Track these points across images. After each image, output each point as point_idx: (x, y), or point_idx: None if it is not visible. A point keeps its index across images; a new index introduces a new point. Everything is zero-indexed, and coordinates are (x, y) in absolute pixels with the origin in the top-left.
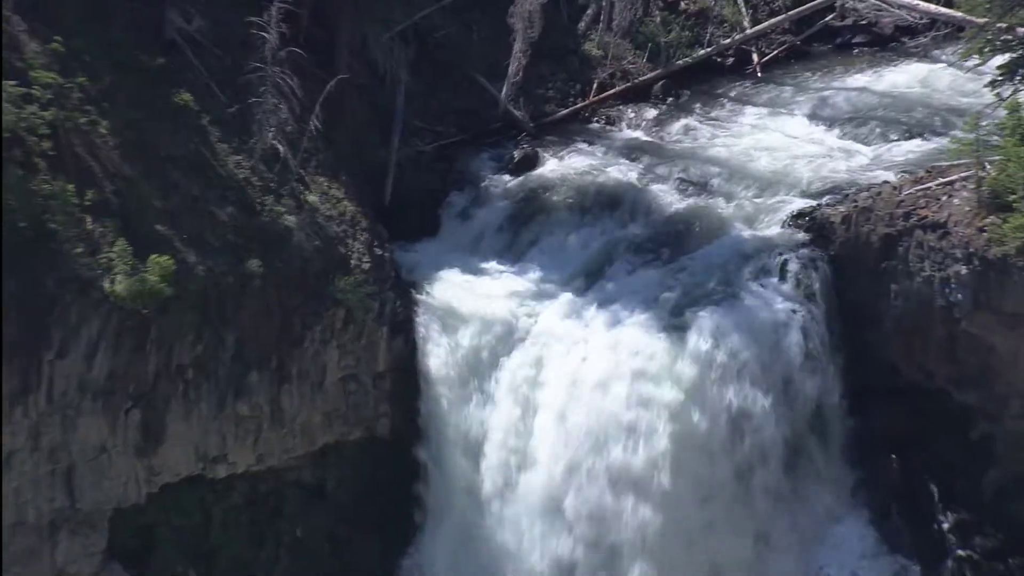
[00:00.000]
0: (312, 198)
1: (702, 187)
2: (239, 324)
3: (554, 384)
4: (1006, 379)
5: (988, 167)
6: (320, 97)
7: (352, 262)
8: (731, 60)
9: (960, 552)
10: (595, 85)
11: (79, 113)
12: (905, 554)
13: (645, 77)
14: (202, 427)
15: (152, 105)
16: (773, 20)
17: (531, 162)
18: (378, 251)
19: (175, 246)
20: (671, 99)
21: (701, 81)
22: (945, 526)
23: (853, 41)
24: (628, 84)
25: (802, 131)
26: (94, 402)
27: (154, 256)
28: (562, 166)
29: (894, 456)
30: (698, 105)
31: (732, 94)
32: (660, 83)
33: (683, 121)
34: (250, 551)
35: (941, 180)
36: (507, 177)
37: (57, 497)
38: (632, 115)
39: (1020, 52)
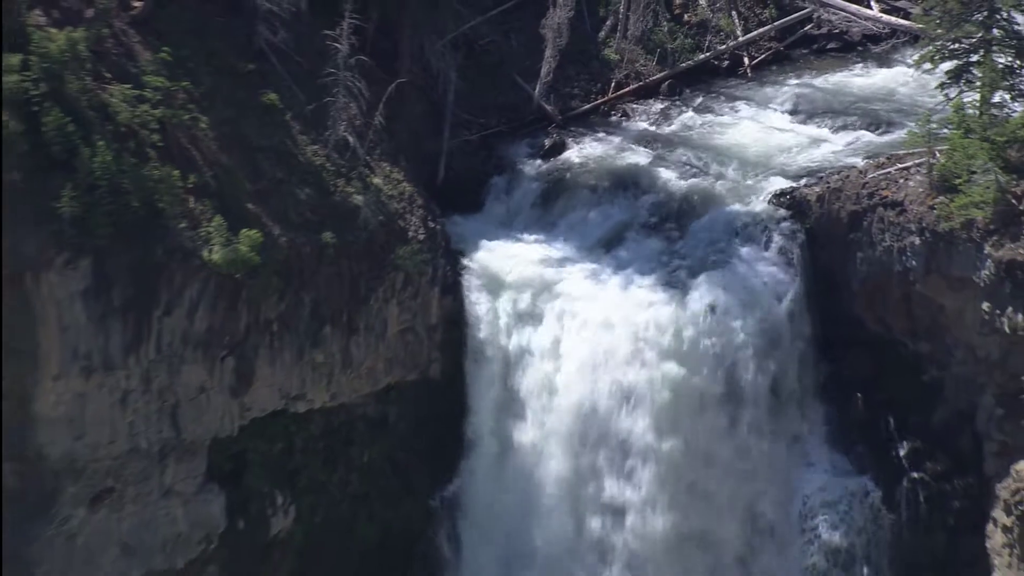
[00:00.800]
0: (376, 180)
1: (700, 169)
2: (315, 286)
3: (576, 334)
4: (952, 332)
5: (938, 155)
6: (383, 96)
7: (410, 234)
8: (726, 63)
9: (913, 474)
10: (613, 84)
11: (183, 111)
12: (868, 476)
13: (654, 77)
14: (285, 371)
15: (244, 104)
16: (761, 30)
17: (559, 149)
18: (431, 224)
19: (262, 222)
20: (676, 96)
21: (701, 81)
22: (901, 453)
23: (827, 47)
24: (640, 83)
25: (784, 123)
26: (195, 351)
27: (245, 230)
28: (585, 152)
29: (859, 395)
30: (698, 101)
31: (726, 92)
32: (667, 83)
33: (685, 114)
34: (325, 473)
35: (899, 166)
36: (539, 162)
37: (164, 429)
38: (643, 109)
39: (963, 60)
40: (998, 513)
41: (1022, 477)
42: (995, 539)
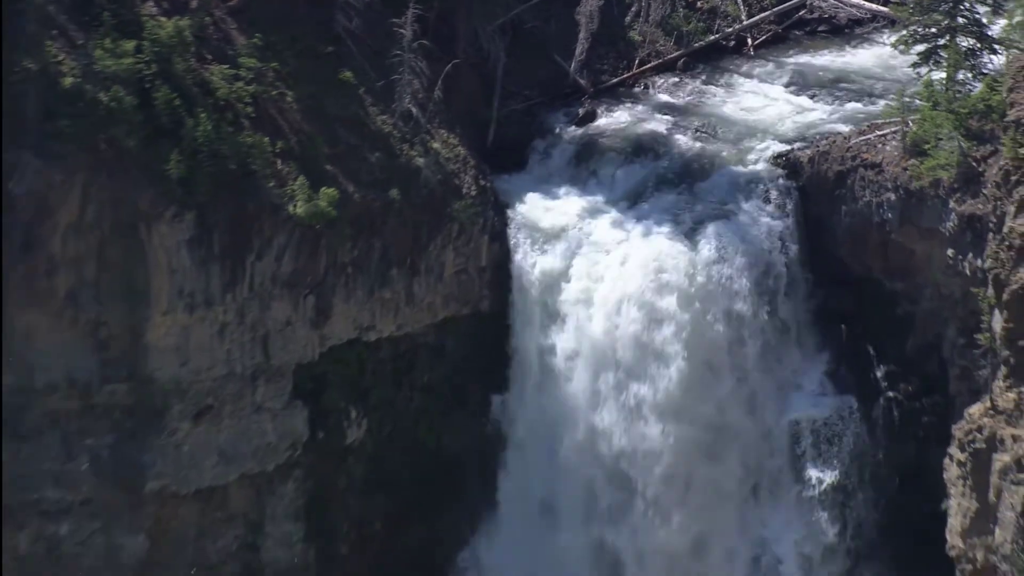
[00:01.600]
0: (435, 145)
1: (710, 135)
2: (383, 235)
3: (604, 276)
4: (922, 274)
5: (910, 124)
6: (442, 74)
7: (463, 190)
8: (732, 43)
9: (889, 394)
10: (636, 61)
11: (272, 87)
12: (851, 395)
13: (671, 56)
14: (358, 307)
15: (323, 81)
16: (762, 15)
17: (590, 117)
18: (482, 182)
19: (339, 181)
20: (690, 71)
21: (711, 59)
22: (879, 375)
23: (819, 30)
24: (659, 61)
25: (781, 95)
26: (282, 290)
27: (324, 188)
28: (612, 119)
29: (843, 326)
30: (709, 76)
31: (732, 68)
32: (682, 60)
33: (698, 87)
34: (392, 391)
35: (877, 132)
36: (573, 128)
37: (256, 356)
38: (662, 83)
39: (932, 44)
40: (953, 450)
41: (974, 420)
42: (951, 471)
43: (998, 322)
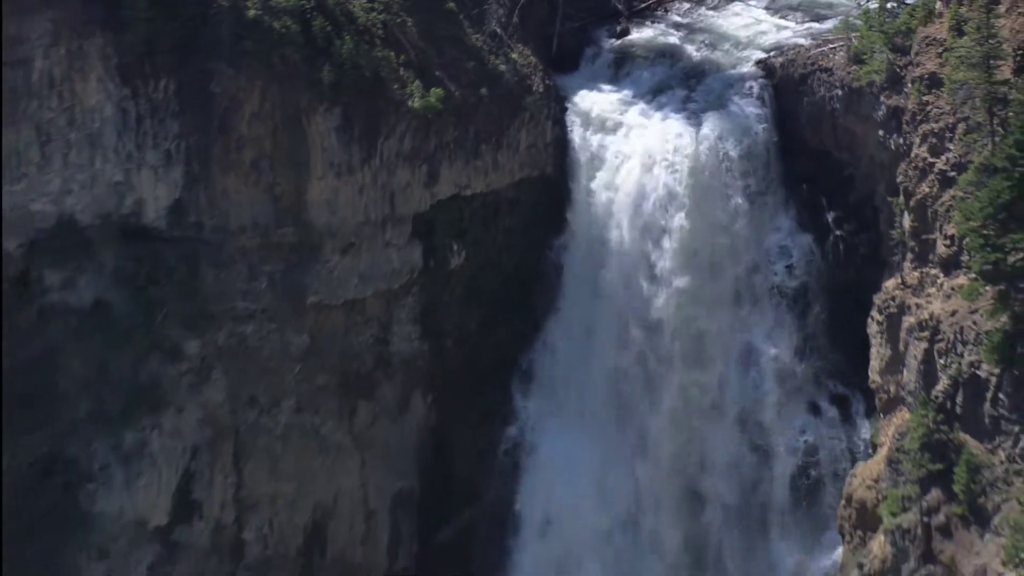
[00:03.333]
0: (514, 56)
1: (712, 46)
2: (476, 121)
3: (635, 146)
4: (861, 148)
5: (853, 40)
6: (519, 3)
7: (534, 88)
8: None
9: (836, 232)
10: None
11: (396, 16)
12: (809, 233)
13: None
14: (458, 172)
15: (434, 10)
16: None
17: (625, 33)
18: (547, 82)
19: (444, 83)
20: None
21: None
22: (829, 219)
23: None
24: None
25: (762, 16)
26: (404, 161)
27: (433, 88)
28: (641, 35)
29: (804, 185)
30: (711, 4)
31: None
32: None
33: (704, 12)
34: (482, 231)
35: (830, 45)
36: (613, 40)
37: (385, 208)
38: (678, 7)
39: None
40: (874, 312)
41: (888, 292)
42: (872, 328)
43: (907, 221)
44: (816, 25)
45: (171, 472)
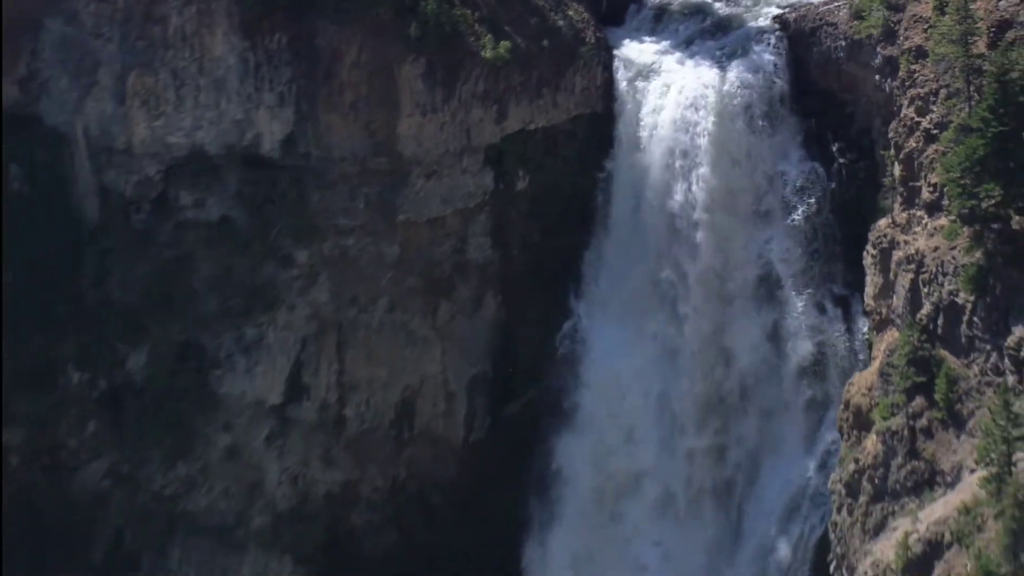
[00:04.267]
0: (570, 13)
1: (736, 3)
2: (539, 68)
3: (671, 87)
4: (861, 89)
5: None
6: None
7: (586, 40)
8: None
9: (839, 160)
10: None
11: None
12: (816, 161)
13: None
14: (523, 110)
15: None
16: None
17: None
18: (598, 35)
19: (512, 36)
20: None
21: None
22: (834, 149)
23: None
24: None
25: None
26: (478, 102)
27: (503, 41)
28: None
29: (812, 120)
30: None
31: None
32: None
33: None
34: (543, 159)
35: (835, 4)
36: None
37: (463, 140)
38: None
39: None
40: (869, 247)
41: (881, 229)
42: (867, 260)
43: (897, 170)
44: None
45: (284, 360)
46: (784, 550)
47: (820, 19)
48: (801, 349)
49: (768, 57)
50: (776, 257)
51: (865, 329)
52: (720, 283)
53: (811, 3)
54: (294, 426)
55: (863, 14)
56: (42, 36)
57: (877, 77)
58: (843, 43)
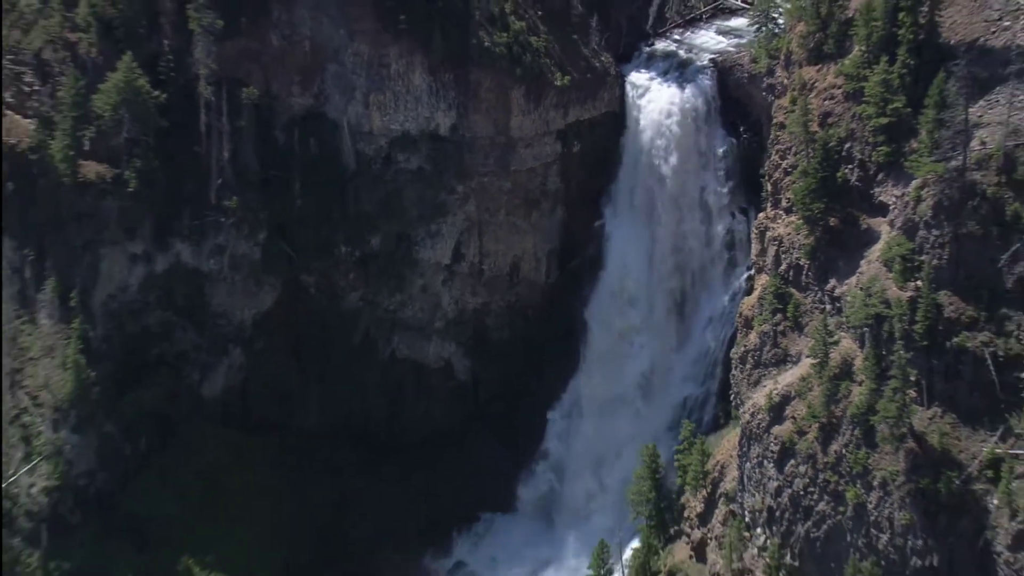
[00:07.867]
0: (603, 57)
1: (690, 50)
2: (584, 88)
3: (655, 99)
4: (755, 100)
5: (752, 50)
6: (604, 31)
7: (611, 72)
8: (707, 15)
9: (744, 136)
10: (669, 21)
11: (549, 43)
12: (732, 137)
13: (677, 22)
14: (576, 111)
15: (564, 39)
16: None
17: (653, 44)
18: (616, 69)
19: (571, 73)
20: (692, 26)
21: (698, 22)
22: (741, 130)
23: (720, 9)
24: (680, 20)
25: (715, 36)
26: (552, 107)
27: (564, 75)
28: (659, 46)
29: (731, 116)
30: (695, 28)
31: (704, 26)
32: (687, 20)
33: (689, 33)
34: (577, 139)
35: (741, 53)
36: (648, 47)
37: (543, 127)
38: (679, 30)
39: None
40: (753, 228)
41: (760, 220)
42: (753, 235)
43: (768, 187)
44: (739, 40)
45: (451, 241)
46: (711, 342)
47: (734, 61)
48: (723, 234)
49: (707, 82)
50: (710, 189)
51: (755, 225)
52: (678, 202)
53: (730, 51)
54: (456, 275)
55: (756, 60)
56: (326, 72)
57: (764, 94)
58: (746, 75)
